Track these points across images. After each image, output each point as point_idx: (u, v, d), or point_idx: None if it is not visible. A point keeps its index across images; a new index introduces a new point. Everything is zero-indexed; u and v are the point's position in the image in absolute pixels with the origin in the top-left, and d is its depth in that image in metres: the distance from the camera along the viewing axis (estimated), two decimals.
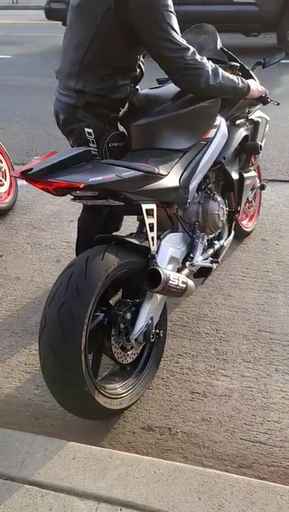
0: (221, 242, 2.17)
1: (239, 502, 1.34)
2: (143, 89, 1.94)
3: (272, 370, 1.89)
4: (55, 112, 1.86)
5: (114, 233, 2.07)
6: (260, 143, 2.26)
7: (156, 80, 2.25)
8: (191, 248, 1.95)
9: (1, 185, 3.14)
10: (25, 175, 1.34)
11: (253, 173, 2.39)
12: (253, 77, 2.17)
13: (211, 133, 1.94)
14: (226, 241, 2.20)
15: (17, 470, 1.43)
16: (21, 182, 3.29)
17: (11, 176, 3.19)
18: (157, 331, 1.71)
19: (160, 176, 1.64)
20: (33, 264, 2.62)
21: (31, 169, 1.35)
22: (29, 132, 4.73)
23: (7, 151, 3.22)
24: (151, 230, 1.61)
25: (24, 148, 4.31)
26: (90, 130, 1.75)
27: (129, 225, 2.77)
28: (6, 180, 3.18)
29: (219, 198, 2.05)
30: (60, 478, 1.40)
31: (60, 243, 2.81)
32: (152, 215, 1.61)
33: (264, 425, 1.66)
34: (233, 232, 2.27)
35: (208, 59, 1.76)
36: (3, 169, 3.13)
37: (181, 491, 1.37)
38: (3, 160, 3.16)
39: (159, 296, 1.69)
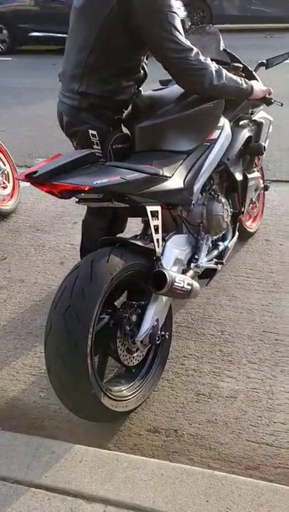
0: (226, 243, 2.17)
1: (246, 504, 1.33)
2: (145, 89, 1.94)
3: (277, 371, 1.88)
4: (59, 114, 1.86)
5: (118, 235, 2.07)
6: (263, 144, 2.26)
7: (159, 81, 2.26)
8: (195, 250, 1.95)
9: (4, 187, 3.14)
10: (30, 178, 1.34)
11: (256, 174, 2.39)
12: (256, 78, 2.16)
13: (215, 134, 1.94)
14: (230, 242, 2.20)
15: (24, 473, 1.43)
16: (24, 184, 3.29)
17: (14, 178, 3.20)
18: (163, 332, 1.71)
19: (164, 178, 1.64)
20: (37, 267, 2.62)
21: (36, 172, 1.35)
22: (31, 134, 4.73)
23: (9, 153, 3.23)
24: (156, 231, 1.60)
25: (26, 150, 4.31)
26: (94, 132, 1.75)
27: (131, 226, 2.76)
28: (9, 182, 3.18)
29: (223, 199, 2.05)
30: (67, 481, 1.40)
31: (63, 245, 2.81)
32: (157, 216, 1.61)
33: (270, 426, 1.66)
34: (237, 233, 2.27)
35: (211, 60, 1.76)
36: (6, 171, 3.14)
37: (188, 493, 1.36)
38: (6, 162, 3.16)
39: (164, 298, 1.69)
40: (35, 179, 1.35)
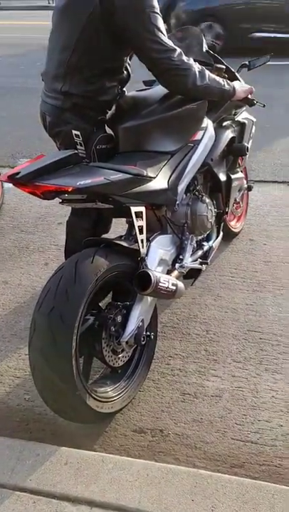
0: (210, 243, 2.18)
1: (231, 502, 1.34)
2: (129, 90, 1.94)
3: (262, 369, 1.90)
4: (42, 114, 1.85)
5: (102, 236, 2.06)
6: (246, 144, 2.28)
7: (143, 81, 2.26)
8: (180, 250, 1.95)
9: None
10: (12, 179, 1.33)
11: (240, 175, 2.41)
12: (238, 79, 2.18)
13: (199, 135, 1.95)
14: (215, 242, 2.21)
15: (8, 477, 1.41)
16: (7, 185, 3.26)
17: None
18: (148, 333, 1.71)
19: (149, 179, 1.64)
20: (21, 268, 2.60)
21: (18, 173, 1.33)
22: (14, 134, 4.69)
23: None
24: (141, 232, 1.61)
25: (10, 150, 4.27)
26: (78, 132, 1.74)
27: (116, 227, 2.76)
28: None
29: (207, 200, 2.06)
30: (52, 484, 1.39)
31: (48, 246, 2.80)
32: (141, 217, 1.61)
33: (255, 425, 1.67)
34: (221, 233, 2.29)
35: (194, 61, 1.77)
36: None
37: (174, 493, 1.37)
38: None
39: (149, 299, 1.69)
40: (17, 180, 1.33)
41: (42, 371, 1.42)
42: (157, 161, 1.75)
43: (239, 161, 2.43)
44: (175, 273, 1.88)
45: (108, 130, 1.83)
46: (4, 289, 2.43)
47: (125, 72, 1.80)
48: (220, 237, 2.27)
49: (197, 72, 1.73)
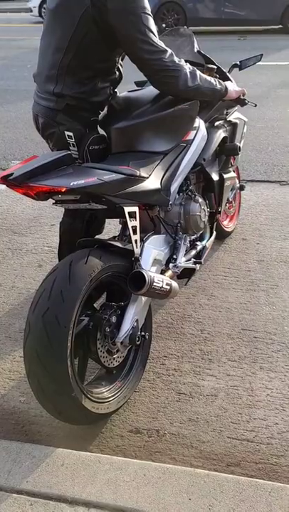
0: (203, 242, 2.19)
1: (229, 501, 1.35)
2: (121, 90, 1.94)
3: (256, 368, 1.91)
4: (34, 116, 1.84)
5: (96, 236, 2.06)
6: (238, 144, 2.29)
7: (135, 82, 2.26)
8: (173, 250, 1.96)
9: None
10: (6, 180, 1.33)
11: (232, 174, 2.42)
12: (230, 79, 2.20)
13: (191, 135, 1.96)
14: (208, 242, 2.22)
15: (4, 479, 1.40)
16: (0, 186, 3.25)
17: None
18: (143, 333, 1.71)
19: (141, 179, 1.65)
20: (15, 270, 2.59)
21: (12, 174, 1.33)
22: (6, 136, 4.67)
23: None
24: (134, 232, 1.61)
25: (1, 152, 4.26)
26: (71, 133, 1.74)
27: (111, 227, 2.76)
28: None
29: (200, 199, 2.06)
30: (48, 485, 1.39)
31: (41, 248, 2.79)
32: (135, 217, 1.61)
33: (250, 423, 1.68)
34: (214, 233, 2.30)
35: (185, 61, 1.78)
36: None
37: (171, 492, 1.37)
38: None
39: (143, 299, 1.69)
40: (11, 181, 1.33)
41: (37, 373, 1.42)
42: (150, 161, 1.75)
43: (231, 161, 2.44)
44: (169, 273, 1.88)
45: (101, 131, 1.83)
46: None
47: (117, 72, 1.80)
48: (213, 237, 2.28)
49: (188, 73, 1.74)
